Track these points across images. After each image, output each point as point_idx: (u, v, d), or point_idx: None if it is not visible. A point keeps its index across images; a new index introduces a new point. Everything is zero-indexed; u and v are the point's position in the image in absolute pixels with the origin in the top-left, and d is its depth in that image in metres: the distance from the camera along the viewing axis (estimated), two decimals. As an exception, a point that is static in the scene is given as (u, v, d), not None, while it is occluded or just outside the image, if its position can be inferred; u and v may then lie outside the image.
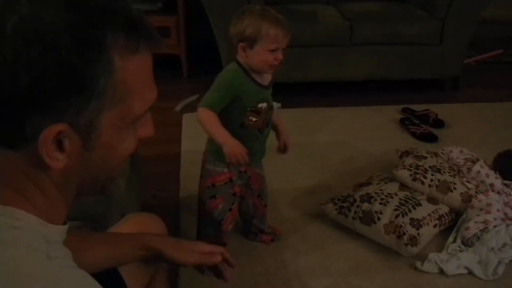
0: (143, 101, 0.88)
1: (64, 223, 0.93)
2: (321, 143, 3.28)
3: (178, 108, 3.70)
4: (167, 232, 1.61)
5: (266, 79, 2.05)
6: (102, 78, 0.79)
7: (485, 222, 2.34)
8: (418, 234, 2.31)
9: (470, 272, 2.24)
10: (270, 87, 2.08)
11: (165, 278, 1.66)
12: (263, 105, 2.02)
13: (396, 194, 2.46)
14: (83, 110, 0.79)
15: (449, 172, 2.60)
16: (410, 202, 2.42)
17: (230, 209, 2.18)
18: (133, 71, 0.83)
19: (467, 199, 2.47)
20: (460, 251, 2.30)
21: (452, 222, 2.46)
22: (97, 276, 1.28)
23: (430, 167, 2.61)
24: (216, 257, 1.42)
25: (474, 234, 2.33)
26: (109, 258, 1.31)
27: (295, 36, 3.72)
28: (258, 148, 2.14)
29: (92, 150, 0.85)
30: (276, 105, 3.73)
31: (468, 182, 2.56)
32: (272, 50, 1.93)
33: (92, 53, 0.77)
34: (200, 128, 1.97)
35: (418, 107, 3.67)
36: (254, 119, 2.02)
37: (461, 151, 2.77)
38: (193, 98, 3.87)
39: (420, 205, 2.42)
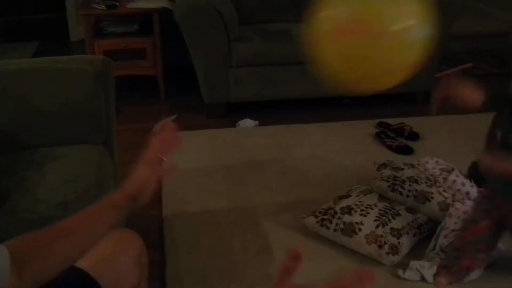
0: None
1: None
2: (299, 158, 3.33)
3: (157, 128, 3.73)
4: (144, 247, 1.62)
5: None
6: None
7: (463, 229, 2.40)
8: (399, 243, 2.36)
9: (450, 278, 2.30)
10: None
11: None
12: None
13: (375, 205, 2.51)
14: None
15: (426, 182, 2.66)
16: (390, 212, 2.48)
17: (475, 222, 2.17)
18: None
19: (444, 207, 2.53)
20: (440, 258, 2.35)
21: (431, 231, 2.51)
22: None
23: (407, 178, 2.67)
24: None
25: (452, 242, 2.38)
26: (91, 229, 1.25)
27: (270, 55, 3.81)
28: None
29: None
30: (253, 122, 3.80)
31: (445, 191, 2.62)
32: None
33: None
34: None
35: (392, 121, 3.74)
36: None
37: (437, 162, 2.83)
38: (171, 118, 3.91)
39: (399, 215, 2.48)
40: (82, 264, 1.38)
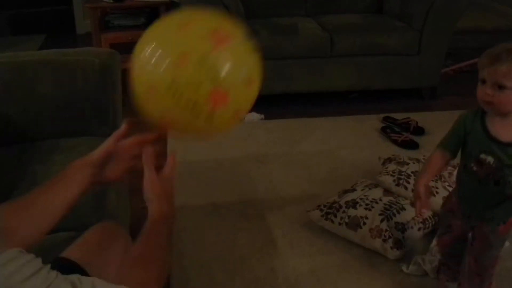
0: None
1: None
2: (305, 153, 3.33)
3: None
4: (130, 240, 1.66)
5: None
6: None
7: (468, 224, 2.40)
8: (403, 237, 2.36)
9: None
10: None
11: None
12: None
13: (380, 199, 2.52)
14: None
15: (431, 177, 2.66)
16: (394, 206, 2.48)
17: (439, 236, 2.13)
18: None
19: (449, 202, 2.53)
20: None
21: (435, 225, 2.51)
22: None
23: (412, 172, 2.67)
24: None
25: None
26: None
27: (277, 49, 3.81)
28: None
29: None
30: (259, 116, 3.81)
31: (450, 186, 2.61)
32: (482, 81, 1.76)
33: None
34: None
35: (398, 116, 3.74)
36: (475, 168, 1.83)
37: (442, 157, 2.83)
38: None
39: (404, 209, 2.48)
40: (71, 255, 1.45)
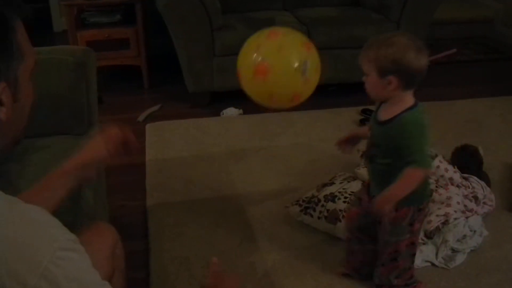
0: (32, 55, 1.11)
1: None
2: (284, 146, 3.33)
3: (141, 118, 3.72)
4: (118, 239, 1.68)
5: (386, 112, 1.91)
6: (14, 41, 1.03)
7: (446, 215, 2.41)
8: (382, 229, 2.37)
9: (433, 264, 2.31)
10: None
11: (121, 279, 1.71)
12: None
13: (359, 192, 2.52)
14: (10, 68, 1.02)
15: (409, 169, 2.66)
16: (373, 199, 2.48)
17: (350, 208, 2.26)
18: (21, 34, 1.06)
19: (428, 194, 2.54)
20: (424, 243, 2.37)
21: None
22: None
23: (390, 164, 2.68)
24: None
25: (436, 227, 2.40)
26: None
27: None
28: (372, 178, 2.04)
29: (19, 100, 1.06)
30: (237, 111, 3.80)
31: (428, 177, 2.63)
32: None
33: (7, 26, 1.02)
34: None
35: (377, 108, 3.75)
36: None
37: (420, 148, 2.84)
38: (156, 108, 3.90)
39: (383, 201, 2.49)
40: None
